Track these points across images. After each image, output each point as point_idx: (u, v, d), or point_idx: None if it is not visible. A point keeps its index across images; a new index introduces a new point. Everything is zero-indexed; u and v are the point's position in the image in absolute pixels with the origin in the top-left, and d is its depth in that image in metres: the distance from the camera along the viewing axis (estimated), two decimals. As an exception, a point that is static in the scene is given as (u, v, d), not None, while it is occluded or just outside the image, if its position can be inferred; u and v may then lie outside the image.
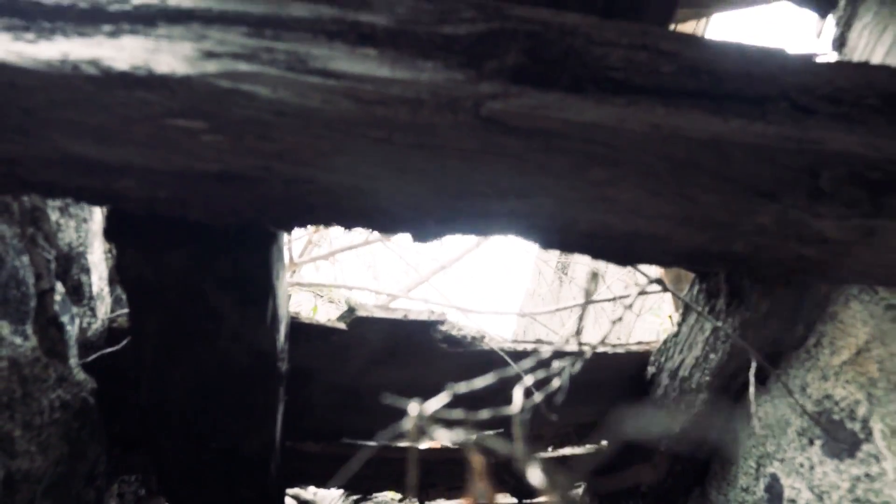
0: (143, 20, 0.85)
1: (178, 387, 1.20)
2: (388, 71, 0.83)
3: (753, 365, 1.23)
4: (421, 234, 0.90)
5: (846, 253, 0.95)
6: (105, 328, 1.46)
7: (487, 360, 1.65)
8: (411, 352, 1.61)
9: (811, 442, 1.36)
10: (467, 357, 1.64)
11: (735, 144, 0.85)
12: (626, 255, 0.94)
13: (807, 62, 1.05)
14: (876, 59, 1.19)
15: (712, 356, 1.53)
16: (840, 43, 1.27)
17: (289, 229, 1.05)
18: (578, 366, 1.22)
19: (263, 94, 0.78)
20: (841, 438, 1.27)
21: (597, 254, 0.94)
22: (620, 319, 1.41)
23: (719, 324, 1.28)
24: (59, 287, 1.28)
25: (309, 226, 0.93)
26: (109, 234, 1.01)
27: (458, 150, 0.82)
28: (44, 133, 0.80)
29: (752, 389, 1.23)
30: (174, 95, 0.78)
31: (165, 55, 0.79)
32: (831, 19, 1.31)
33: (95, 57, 0.78)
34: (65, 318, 1.28)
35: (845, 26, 1.26)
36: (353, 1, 0.94)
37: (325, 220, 0.90)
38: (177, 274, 1.04)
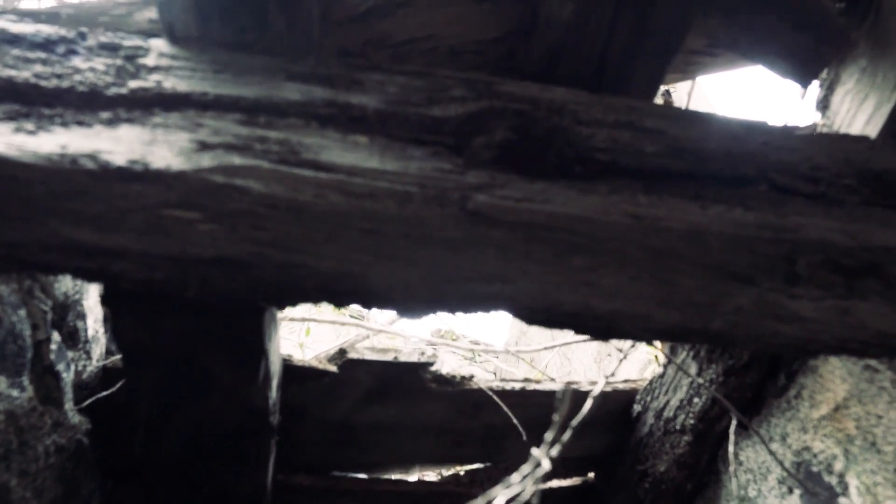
0: (140, 105, 0.88)
1: (173, 439, 1.23)
2: (377, 161, 0.85)
3: (734, 423, 1.26)
4: (409, 313, 0.93)
5: (822, 330, 0.98)
6: (100, 369, 1.48)
7: (476, 399, 1.69)
8: (402, 391, 1.64)
9: (790, 490, 1.40)
10: (457, 396, 1.68)
11: (713, 234, 0.88)
12: (607, 332, 0.97)
13: (787, 137, 1.07)
14: (856, 127, 1.22)
15: (696, 400, 1.56)
16: (824, 105, 1.30)
17: (281, 307, 1.08)
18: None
19: (256, 189, 0.81)
20: (818, 491, 1.30)
21: (580, 330, 0.97)
22: (613, 374, 1.44)
23: (700, 380, 1.31)
24: (56, 336, 1.31)
25: (301, 303, 0.95)
26: (106, 300, 1.03)
27: (444, 239, 0.85)
28: (44, 221, 0.83)
29: (731, 448, 1.26)
30: (170, 189, 0.80)
31: (161, 148, 0.82)
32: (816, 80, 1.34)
33: (93, 150, 0.80)
34: (60, 367, 1.31)
35: (829, 89, 1.29)
36: (344, 80, 0.97)
37: (317, 299, 0.92)
38: (172, 338, 1.07)
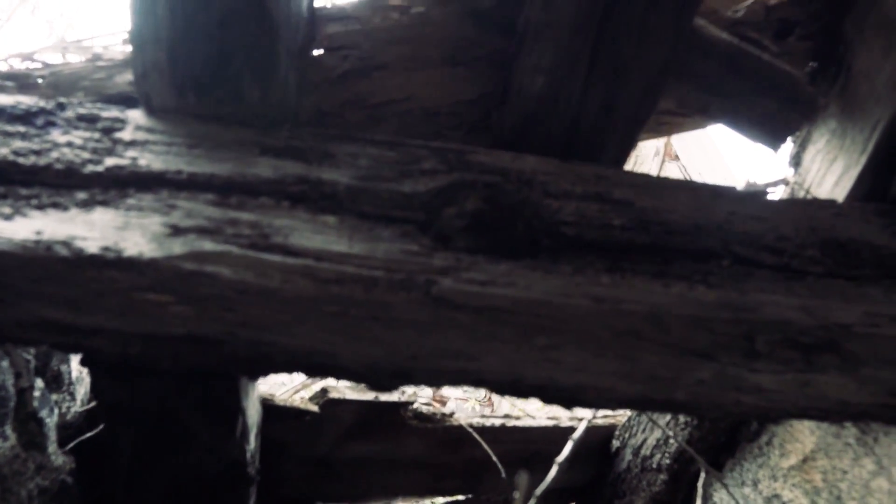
0: (116, 185, 0.90)
1: (153, 489, 1.26)
2: (345, 244, 0.87)
3: (703, 475, 1.29)
4: (377, 386, 0.95)
5: (783, 400, 1.00)
6: (84, 408, 1.51)
7: (457, 434, 1.71)
8: (382, 428, 1.67)
9: (761, 533, 1.43)
10: (437, 432, 1.70)
11: (674, 316, 0.90)
12: (572, 402, 0.99)
13: (755, 204, 1.10)
14: (826, 187, 1.24)
15: (671, 440, 1.59)
16: (796, 162, 1.32)
17: (254, 378, 1.10)
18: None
19: (226, 275, 0.83)
20: (786, 539, 1.33)
21: (546, 400, 0.99)
22: (594, 417, 1.47)
23: (669, 432, 1.34)
24: (39, 383, 1.33)
25: (274, 374, 0.98)
26: (85, 362, 1.06)
27: (410, 321, 0.87)
28: (20, 302, 0.85)
29: (699, 492, 1.29)
30: (142, 275, 0.82)
31: (134, 233, 0.84)
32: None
33: (68, 236, 0.82)
34: (44, 413, 1.33)
35: (801, 147, 1.31)
36: (317, 153, 0.99)
37: (288, 371, 0.95)
38: (150, 398, 1.10)
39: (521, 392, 0.97)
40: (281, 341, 0.89)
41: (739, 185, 1.81)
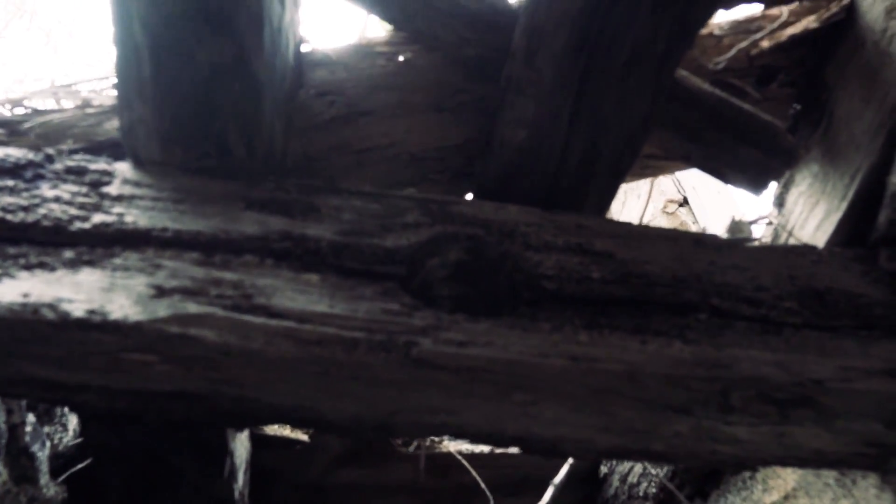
0: (102, 243, 0.91)
1: (143, 524, 1.28)
2: (327, 304, 0.89)
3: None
4: (360, 438, 0.97)
5: (759, 449, 1.02)
6: (76, 441, 1.53)
7: (447, 460, 1.73)
8: (372, 455, 1.68)
9: (744, 565, 1.45)
10: (427, 458, 1.72)
11: (649, 375, 0.91)
12: (552, 453, 1.01)
13: (735, 252, 1.11)
14: (808, 230, 1.25)
15: (656, 470, 1.61)
16: (780, 202, 1.33)
17: (240, 430, 1.12)
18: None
19: (209, 338, 0.84)
20: (767, 573, 1.35)
21: (526, 451, 1.01)
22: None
23: (653, 471, 1.36)
24: (31, 417, 1.35)
25: (258, 426, 0.99)
26: (74, 408, 1.07)
27: (390, 380, 0.89)
28: (8, 361, 0.87)
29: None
30: (127, 337, 0.84)
31: (119, 295, 0.85)
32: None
33: (54, 299, 0.84)
34: (35, 447, 1.35)
35: (784, 188, 1.32)
36: (302, 207, 1.00)
37: (272, 423, 0.97)
38: (138, 441, 1.11)
39: (502, 443, 0.99)
40: (265, 398, 0.91)
41: (735, 215, 1.82)
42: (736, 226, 1.47)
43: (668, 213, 3.23)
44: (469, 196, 1.23)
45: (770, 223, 1.35)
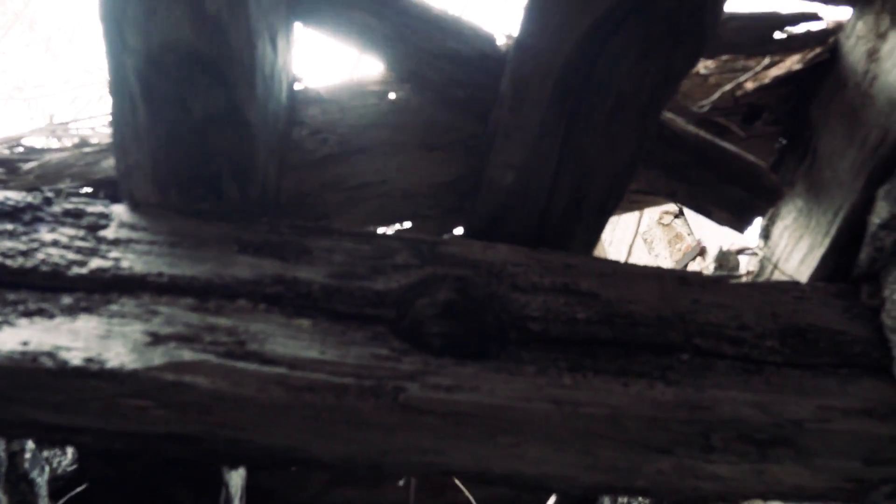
0: (99, 289, 0.94)
1: (140, 551, 1.31)
2: (318, 350, 0.91)
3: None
4: (352, 475, 1.00)
5: (740, 486, 1.05)
6: (76, 460, 1.55)
7: (439, 480, 1.76)
8: (367, 474, 1.71)
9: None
10: (421, 477, 1.75)
11: (631, 418, 0.94)
12: (540, 489, 1.04)
13: (719, 290, 1.13)
14: (793, 263, 1.27)
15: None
16: (765, 235, 1.35)
17: (234, 468, 1.15)
18: None
19: (203, 385, 0.87)
20: None
21: (514, 488, 1.04)
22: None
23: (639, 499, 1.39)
24: (30, 444, 1.38)
25: (252, 465, 1.02)
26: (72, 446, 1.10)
27: (379, 424, 0.91)
28: (8, 405, 0.89)
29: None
30: (123, 385, 0.86)
31: (116, 342, 0.88)
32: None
33: (53, 347, 0.86)
34: (34, 473, 1.38)
35: (770, 221, 1.35)
36: (294, 249, 1.03)
37: (266, 464, 0.99)
38: (136, 475, 1.14)
39: (490, 481, 1.01)
40: (258, 439, 0.93)
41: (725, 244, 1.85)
42: (723, 256, 1.49)
43: (663, 224, 3.27)
44: (460, 230, 1.26)
45: (756, 254, 1.37)
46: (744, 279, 1.38)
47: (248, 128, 0.98)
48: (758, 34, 1.11)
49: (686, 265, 2.71)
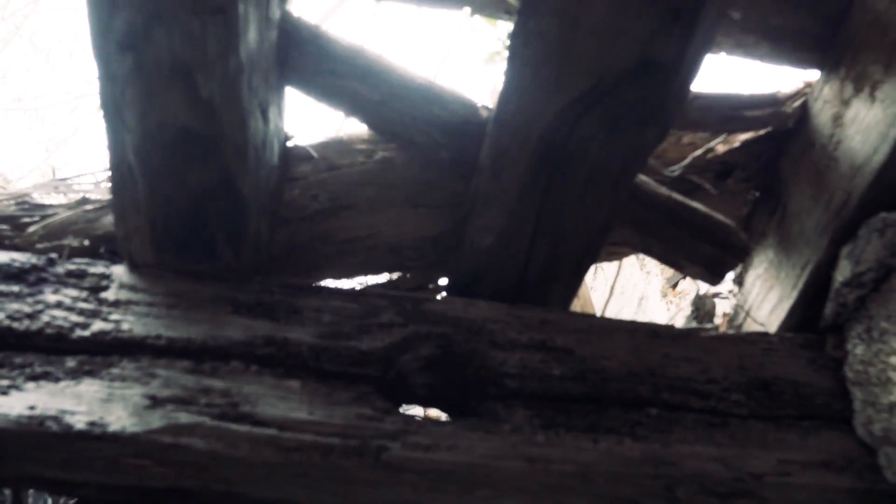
0: (101, 351, 1.00)
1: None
2: (306, 411, 0.98)
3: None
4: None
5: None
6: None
7: None
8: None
9: None
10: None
11: (600, 473, 1.00)
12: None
13: (689, 343, 1.19)
14: (764, 312, 1.33)
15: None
16: (739, 282, 1.41)
17: None
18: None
19: (199, 446, 0.93)
20: None
21: (491, 533, 1.10)
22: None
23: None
24: (37, 478, 1.44)
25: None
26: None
27: (363, 479, 0.98)
28: (16, 464, 0.96)
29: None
30: (124, 446, 0.93)
31: (117, 406, 0.94)
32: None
33: (58, 412, 0.92)
34: (40, 507, 1.45)
35: (744, 268, 1.41)
36: (285, 309, 1.09)
37: (258, 511, 1.06)
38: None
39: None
40: (250, 492, 1.00)
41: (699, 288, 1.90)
42: (700, 300, 1.55)
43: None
44: (444, 280, 1.32)
45: (729, 299, 1.43)
46: (719, 328, 1.44)
47: (240, 197, 1.04)
48: (721, 115, 1.17)
49: (676, 284, 2.78)
